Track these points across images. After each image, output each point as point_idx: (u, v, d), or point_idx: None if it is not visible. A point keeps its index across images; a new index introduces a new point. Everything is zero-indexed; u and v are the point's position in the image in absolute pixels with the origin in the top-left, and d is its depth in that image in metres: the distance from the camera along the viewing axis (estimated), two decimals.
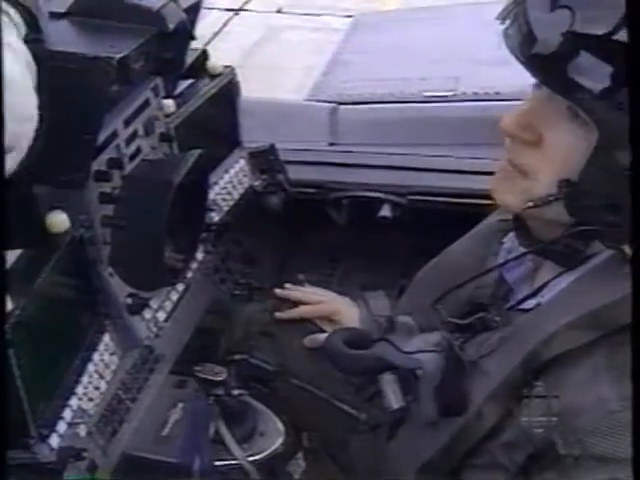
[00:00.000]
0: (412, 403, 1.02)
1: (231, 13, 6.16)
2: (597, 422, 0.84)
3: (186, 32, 1.11)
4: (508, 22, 0.90)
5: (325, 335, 1.27)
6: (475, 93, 1.87)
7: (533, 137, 0.91)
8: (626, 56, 0.64)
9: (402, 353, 1.03)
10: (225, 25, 5.86)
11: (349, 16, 5.99)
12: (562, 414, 0.87)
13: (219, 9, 6.01)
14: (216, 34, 5.64)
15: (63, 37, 0.97)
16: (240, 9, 6.19)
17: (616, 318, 0.85)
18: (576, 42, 0.81)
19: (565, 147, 0.89)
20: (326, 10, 6.13)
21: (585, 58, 0.81)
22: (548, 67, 0.84)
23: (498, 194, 0.98)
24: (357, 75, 2.05)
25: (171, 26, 1.05)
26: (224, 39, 6.01)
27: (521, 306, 1.01)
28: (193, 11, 1.14)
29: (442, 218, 1.59)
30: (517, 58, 0.88)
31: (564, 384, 0.89)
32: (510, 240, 1.09)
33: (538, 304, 0.98)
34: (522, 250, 1.03)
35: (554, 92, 0.87)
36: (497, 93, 1.81)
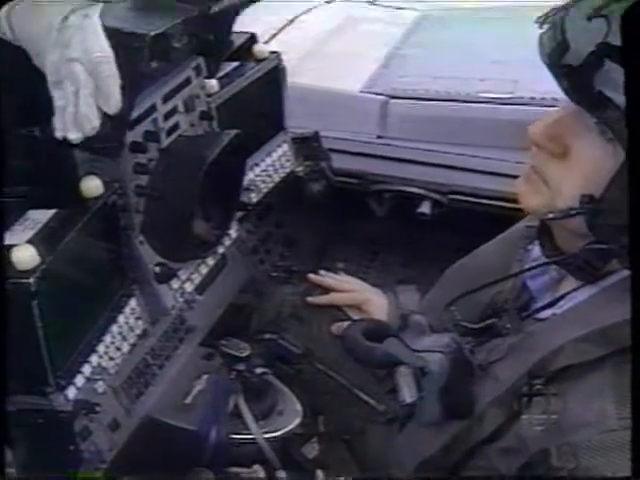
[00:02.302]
0: (417, 400, 1.04)
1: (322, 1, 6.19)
2: (595, 438, 0.84)
3: (229, 15, 1.14)
4: (545, 27, 0.89)
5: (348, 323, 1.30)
6: (532, 98, 1.85)
7: (559, 149, 0.91)
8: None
9: (410, 351, 1.04)
10: (306, 12, 5.90)
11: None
12: (562, 426, 0.87)
13: None
14: (291, 21, 5.69)
15: (105, 13, 1.02)
16: None
17: (627, 337, 0.83)
18: (608, 54, 0.80)
19: (591, 162, 0.88)
20: (405, 3, 6.09)
21: (616, 71, 0.80)
22: (576, 78, 0.83)
23: (523, 197, 0.99)
24: (414, 70, 2.05)
25: (216, 8, 1.08)
26: (300, 27, 6.08)
27: (537, 315, 1.01)
28: None
29: (481, 219, 1.59)
30: (547, 66, 0.87)
31: (568, 396, 0.88)
32: (536, 247, 1.09)
33: (553, 314, 0.98)
34: (545, 259, 1.03)
35: (578, 105, 0.86)
36: (554, 99, 1.79)
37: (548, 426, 0.89)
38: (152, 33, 0.94)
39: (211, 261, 1.32)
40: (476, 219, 1.62)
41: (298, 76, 1.75)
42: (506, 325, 1.04)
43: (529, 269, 1.05)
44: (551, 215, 0.93)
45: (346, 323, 1.36)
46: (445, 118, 1.83)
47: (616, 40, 0.79)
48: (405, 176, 1.69)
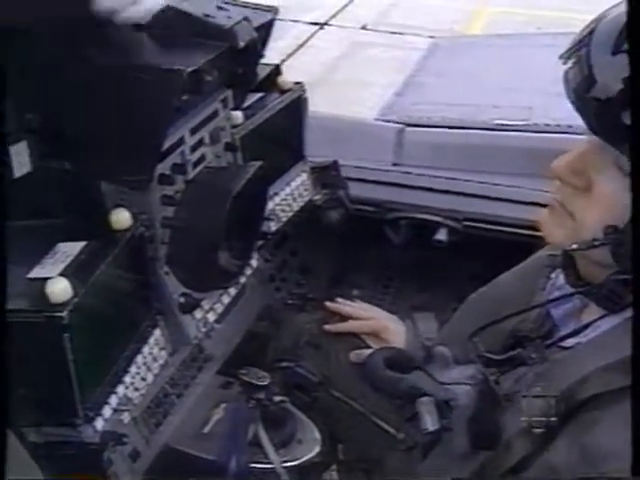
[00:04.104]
0: (445, 430, 1.04)
1: (316, 27, 6.28)
2: (622, 469, 0.84)
3: (256, 49, 1.16)
4: (570, 63, 0.91)
5: (370, 351, 1.30)
6: (547, 125, 1.86)
7: (582, 183, 0.93)
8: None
9: (437, 383, 1.04)
10: (309, 39, 5.98)
11: (433, 36, 6.03)
12: (589, 455, 0.87)
13: (304, 23, 6.13)
14: (299, 47, 5.76)
15: (140, 49, 1.04)
16: (325, 23, 6.29)
17: None
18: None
19: (614, 195, 0.89)
20: (411, 29, 6.17)
21: None
22: (603, 111, 0.85)
23: (545, 228, 1.00)
24: (429, 98, 2.07)
25: (242, 43, 1.10)
26: (307, 52, 6.13)
27: (562, 343, 1.01)
28: (265, 29, 1.19)
29: (497, 246, 1.60)
30: (573, 101, 0.89)
31: (595, 426, 0.89)
32: (558, 276, 1.09)
33: (578, 343, 0.98)
34: (568, 288, 1.03)
35: (603, 140, 0.88)
36: (569, 126, 1.80)
37: (575, 456, 0.89)
38: (188, 70, 0.96)
39: (233, 291, 1.33)
40: (492, 246, 1.62)
41: (310, 103, 1.77)
42: (530, 354, 1.04)
43: (557, 299, 1.05)
44: (575, 246, 0.94)
45: (365, 351, 1.37)
46: (460, 145, 1.84)
47: None
48: (421, 203, 1.70)
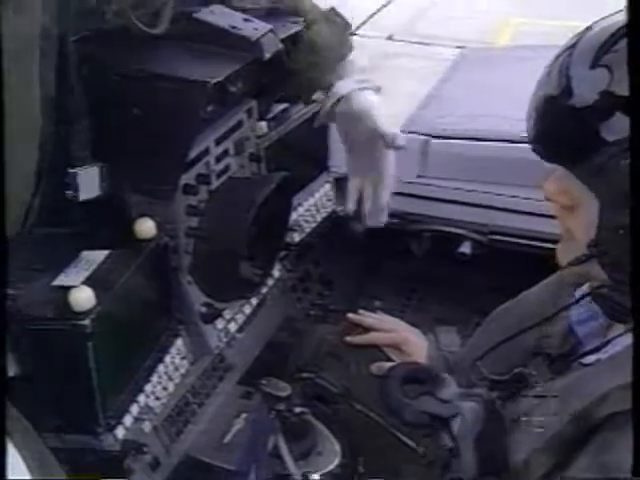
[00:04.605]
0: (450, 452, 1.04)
1: None
2: None
3: (282, 61, 1.16)
4: (551, 71, 0.93)
5: (390, 365, 1.29)
6: None
7: (569, 201, 0.95)
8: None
9: (445, 403, 1.04)
10: None
11: (461, 47, 6.01)
12: (609, 475, 0.86)
13: None
14: None
15: (165, 59, 1.05)
16: (351, 34, 6.30)
17: None
18: (611, 102, 0.84)
19: (591, 210, 0.91)
20: (437, 40, 6.16)
21: (618, 118, 0.83)
22: (576, 121, 0.87)
23: (557, 253, 1.03)
24: (454, 110, 2.05)
25: (267, 55, 1.10)
26: None
27: (582, 360, 1.00)
28: (290, 41, 1.19)
29: (522, 260, 1.58)
30: (548, 109, 0.90)
31: (615, 445, 0.87)
32: (582, 293, 1.08)
33: (598, 360, 0.97)
34: (592, 306, 1.02)
35: (564, 165, 0.91)
36: None
37: (595, 475, 0.87)
38: (213, 81, 0.97)
39: (254, 301, 1.33)
40: (516, 259, 1.61)
41: None
42: (550, 370, 1.03)
43: (584, 312, 1.05)
44: (567, 262, 0.97)
45: (386, 364, 1.36)
46: (485, 158, 1.82)
47: (620, 89, 0.83)
48: (445, 216, 1.69)
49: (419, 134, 1.90)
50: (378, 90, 1.32)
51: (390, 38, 6.28)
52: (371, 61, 5.74)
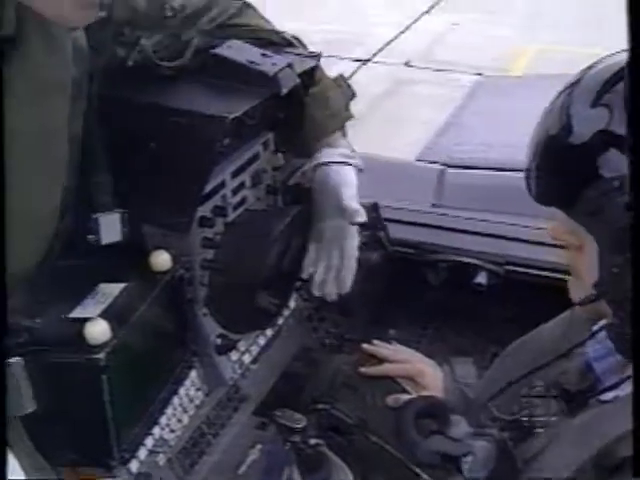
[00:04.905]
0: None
1: (359, 63, 6.34)
2: None
3: (299, 95, 1.17)
4: (552, 109, 0.93)
5: (407, 397, 1.29)
6: None
7: (576, 241, 0.96)
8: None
9: (456, 442, 1.04)
10: (352, 75, 6.03)
11: (478, 74, 6.04)
12: None
13: (348, 59, 6.19)
14: None
15: (184, 93, 1.06)
16: (368, 60, 6.34)
17: None
18: (609, 140, 0.85)
19: (595, 250, 0.92)
20: (455, 66, 6.19)
21: (615, 156, 0.84)
22: (574, 158, 0.89)
23: (569, 290, 1.04)
24: (471, 138, 2.06)
25: (285, 90, 1.11)
26: None
27: (600, 397, 0.99)
28: (308, 75, 1.20)
29: (539, 291, 1.57)
30: (547, 147, 0.90)
31: None
32: (597, 328, 1.07)
33: (616, 397, 0.96)
34: (609, 342, 1.02)
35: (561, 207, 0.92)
36: None
37: None
38: (231, 116, 0.98)
39: (269, 332, 1.33)
40: (533, 291, 1.60)
41: (352, 141, 1.78)
42: (567, 408, 1.02)
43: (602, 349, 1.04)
44: (578, 300, 0.98)
45: (402, 396, 1.35)
46: (502, 187, 1.82)
47: (619, 128, 0.84)
48: (461, 246, 1.68)
49: (435, 163, 1.90)
50: (359, 170, 1.33)
51: (407, 64, 6.32)
52: (387, 87, 5.78)
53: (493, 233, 1.70)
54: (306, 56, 1.21)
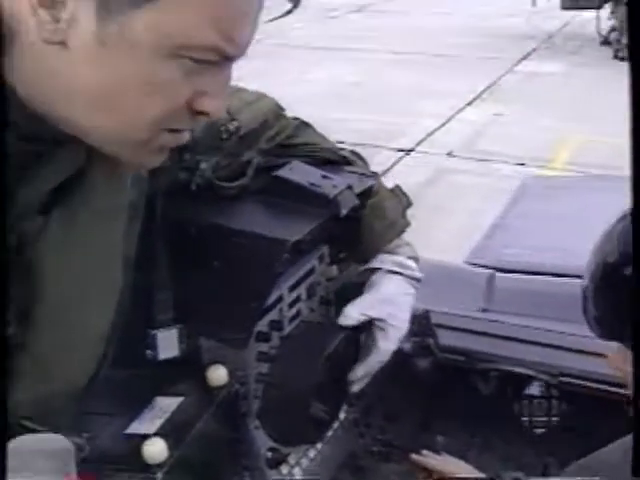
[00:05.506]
0: None
1: (402, 153, 6.46)
2: None
3: (357, 214, 1.20)
4: (610, 237, 0.93)
5: None
6: None
7: None
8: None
9: None
10: (394, 165, 6.13)
11: (521, 164, 6.08)
12: None
13: (391, 149, 6.31)
14: (384, 172, 5.90)
15: (245, 215, 1.09)
16: (411, 150, 6.45)
17: None
18: None
19: None
20: (497, 157, 6.25)
21: None
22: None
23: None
24: (519, 241, 2.06)
25: (344, 211, 1.14)
26: (392, 178, 6.28)
27: None
28: (366, 195, 1.23)
29: (596, 405, 1.53)
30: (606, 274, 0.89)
31: None
32: None
33: None
34: None
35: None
36: None
37: None
38: (292, 240, 1.00)
39: (319, 445, 1.31)
40: (588, 403, 1.56)
41: None
42: None
43: None
44: None
45: None
46: (553, 294, 1.81)
47: None
48: (513, 355, 1.66)
49: (484, 267, 1.90)
50: (414, 279, 1.31)
51: (450, 154, 6.40)
52: (430, 176, 5.85)
53: (546, 342, 1.67)
54: (365, 176, 1.24)
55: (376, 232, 1.26)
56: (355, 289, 1.28)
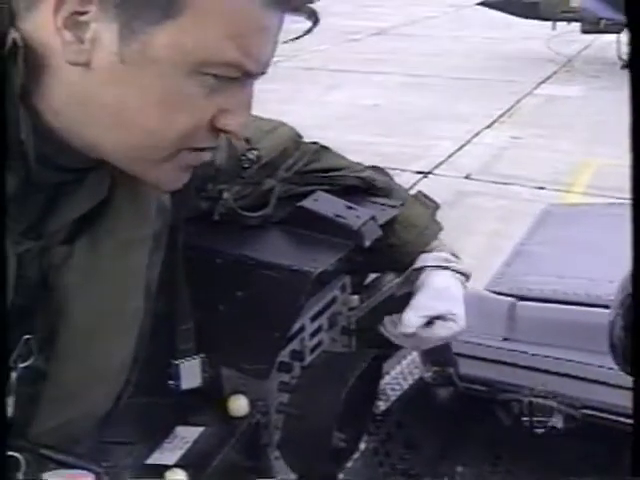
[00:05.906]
0: None
1: (420, 175, 6.46)
2: None
3: (379, 244, 1.19)
4: None
5: None
6: None
7: None
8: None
9: None
10: (413, 187, 6.13)
11: (540, 187, 6.05)
12: None
13: (409, 171, 6.31)
14: None
15: (269, 245, 1.09)
16: (429, 172, 6.45)
17: None
18: None
19: None
20: (516, 180, 6.23)
21: None
22: None
23: None
24: (540, 269, 2.04)
25: (368, 242, 1.14)
26: None
27: None
28: (389, 225, 1.22)
29: (618, 438, 1.50)
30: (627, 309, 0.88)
31: None
32: None
33: None
34: None
35: None
36: None
37: None
38: (316, 272, 1.00)
39: (340, 474, 1.30)
40: (612, 437, 1.53)
41: None
42: None
43: None
44: None
45: None
46: (575, 323, 1.79)
47: None
48: (535, 386, 1.64)
49: (505, 295, 1.88)
50: (466, 277, 1.28)
51: (468, 177, 6.39)
52: (449, 199, 5.83)
53: (568, 373, 1.65)
54: (387, 205, 1.23)
55: (410, 242, 1.25)
56: (399, 302, 1.26)
